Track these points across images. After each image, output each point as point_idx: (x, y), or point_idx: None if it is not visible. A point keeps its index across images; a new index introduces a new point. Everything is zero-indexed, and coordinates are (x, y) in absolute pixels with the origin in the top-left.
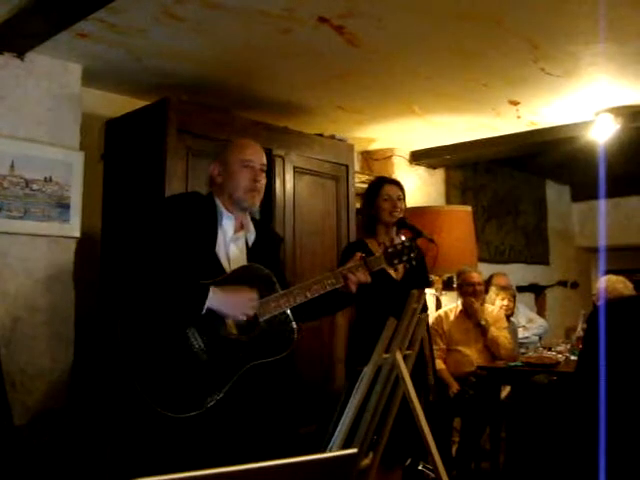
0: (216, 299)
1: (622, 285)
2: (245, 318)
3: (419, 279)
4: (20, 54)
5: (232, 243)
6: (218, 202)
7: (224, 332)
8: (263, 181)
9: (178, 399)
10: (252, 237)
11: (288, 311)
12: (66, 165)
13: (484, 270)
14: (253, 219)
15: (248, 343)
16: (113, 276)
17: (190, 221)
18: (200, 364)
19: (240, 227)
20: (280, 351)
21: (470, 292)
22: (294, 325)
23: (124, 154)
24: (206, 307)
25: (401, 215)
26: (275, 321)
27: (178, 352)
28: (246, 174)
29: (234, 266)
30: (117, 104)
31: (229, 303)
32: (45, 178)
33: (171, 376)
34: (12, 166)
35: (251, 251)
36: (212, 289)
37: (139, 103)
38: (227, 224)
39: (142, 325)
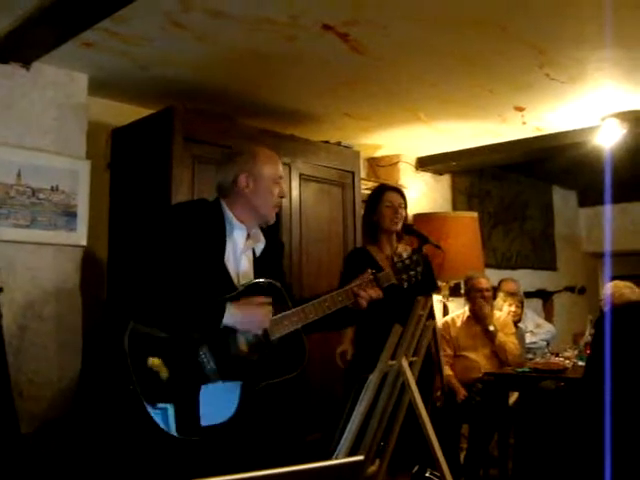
0: (232, 315)
1: (629, 290)
2: (261, 332)
3: (424, 284)
4: (26, 64)
5: (243, 255)
6: (228, 211)
7: (235, 351)
8: None
9: (189, 422)
10: (261, 246)
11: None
12: (72, 174)
13: (491, 276)
14: (261, 227)
15: (259, 362)
16: (120, 285)
17: (198, 231)
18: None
19: (247, 237)
20: (292, 370)
21: (479, 298)
22: (305, 343)
23: (130, 162)
24: (223, 324)
25: (402, 223)
26: (286, 339)
27: (189, 373)
28: (276, 191)
29: (243, 279)
30: (123, 113)
31: (246, 319)
32: (52, 187)
33: (182, 398)
34: (19, 175)
35: (258, 260)
36: (228, 305)
37: (145, 112)
38: (238, 235)
39: (153, 344)
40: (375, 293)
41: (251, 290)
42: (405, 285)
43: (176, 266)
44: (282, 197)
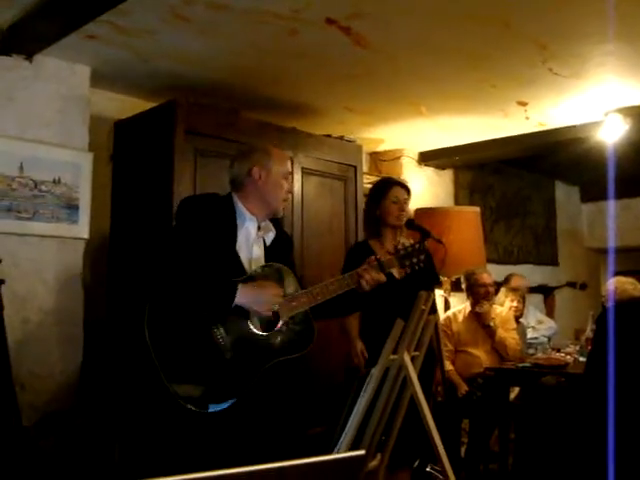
0: (244, 295)
1: (631, 286)
2: (271, 314)
3: (425, 278)
4: (29, 56)
5: (255, 244)
6: (239, 204)
7: (248, 330)
8: None
9: (203, 396)
10: (271, 236)
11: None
12: (75, 166)
13: (493, 271)
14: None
15: (270, 341)
16: (123, 276)
17: (211, 222)
18: (225, 361)
19: (258, 228)
20: (301, 348)
21: (482, 293)
22: (314, 324)
23: (133, 155)
24: (235, 303)
25: (406, 218)
26: (296, 319)
27: (204, 349)
28: (286, 186)
29: (255, 265)
30: (125, 105)
31: (257, 299)
32: (54, 179)
33: (197, 373)
34: (21, 168)
35: (268, 250)
36: (240, 285)
37: (147, 105)
38: (250, 226)
39: (169, 324)
40: (379, 276)
41: (261, 273)
42: (409, 270)
43: (192, 254)
44: (289, 193)
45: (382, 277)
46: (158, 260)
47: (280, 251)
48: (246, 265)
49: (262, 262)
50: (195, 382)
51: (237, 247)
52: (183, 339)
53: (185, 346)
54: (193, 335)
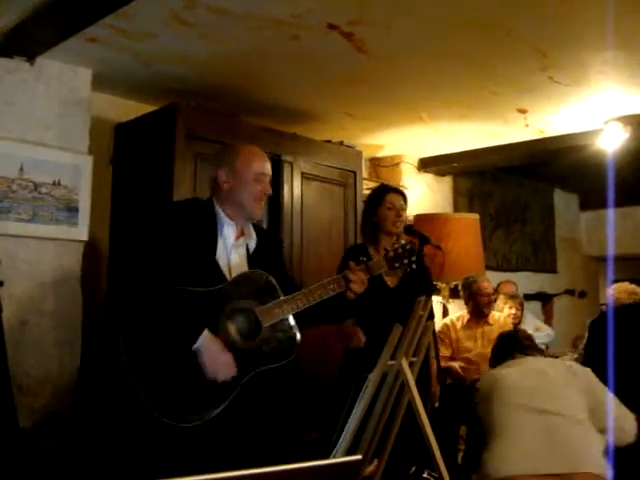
0: (203, 346)
1: (629, 295)
2: (213, 379)
3: (420, 287)
4: (30, 59)
5: (233, 250)
6: (218, 209)
7: (228, 340)
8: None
9: (183, 409)
10: (253, 243)
11: (291, 318)
12: (75, 169)
13: (491, 278)
14: (253, 224)
15: (251, 350)
16: (119, 281)
17: (190, 228)
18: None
19: (241, 234)
20: (284, 357)
21: (486, 302)
22: (297, 331)
23: (133, 158)
24: (195, 347)
25: (403, 226)
26: (278, 327)
27: (183, 361)
28: (259, 187)
29: (235, 273)
30: (126, 109)
31: (212, 357)
32: (54, 182)
33: (176, 386)
34: (21, 169)
35: (252, 257)
36: (204, 334)
37: (148, 108)
38: (228, 232)
39: (146, 335)
40: (366, 277)
41: (238, 281)
42: (400, 273)
43: (168, 264)
44: (266, 194)
45: (365, 278)
46: (132, 276)
47: (265, 257)
48: (226, 273)
49: (243, 270)
50: (174, 397)
51: (217, 255)
52: (160, 354)
53: (162, 360)
54: (170, 349)
